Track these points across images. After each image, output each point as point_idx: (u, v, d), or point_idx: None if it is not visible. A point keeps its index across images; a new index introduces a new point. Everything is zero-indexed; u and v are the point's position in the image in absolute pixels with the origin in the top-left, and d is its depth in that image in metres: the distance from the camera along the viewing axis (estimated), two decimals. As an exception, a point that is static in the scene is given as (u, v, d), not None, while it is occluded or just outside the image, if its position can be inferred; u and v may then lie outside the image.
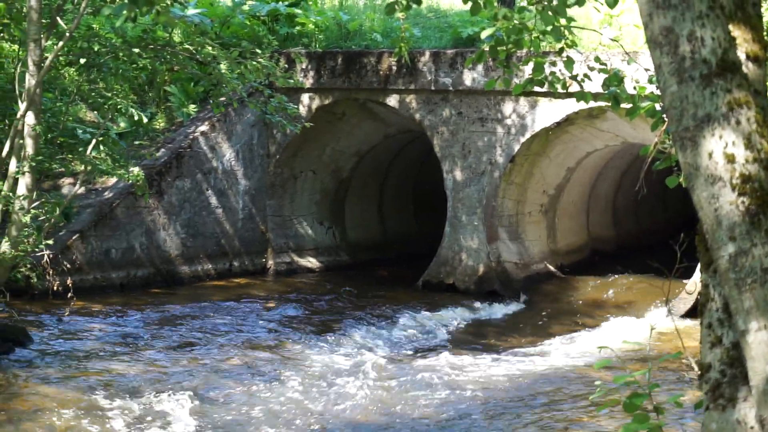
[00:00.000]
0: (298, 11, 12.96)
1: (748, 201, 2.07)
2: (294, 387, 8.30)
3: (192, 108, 13.14)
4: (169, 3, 8.74)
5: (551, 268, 13.59)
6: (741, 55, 2.25)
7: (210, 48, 10.69)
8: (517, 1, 9.78)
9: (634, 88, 4.53)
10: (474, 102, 12.34)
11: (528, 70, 5.61)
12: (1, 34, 11.00)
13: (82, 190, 11.85)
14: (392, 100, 12.81)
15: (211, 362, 8.96)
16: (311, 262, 14.16)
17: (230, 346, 9.58)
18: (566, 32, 4.87)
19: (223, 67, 10.91)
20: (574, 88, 5.02)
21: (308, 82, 13.02)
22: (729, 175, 2.07)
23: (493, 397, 8.27)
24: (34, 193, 9.47)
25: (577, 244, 15.21)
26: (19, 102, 8.90)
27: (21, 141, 8.89)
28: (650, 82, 4.60)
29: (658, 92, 3.14)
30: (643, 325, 10.02)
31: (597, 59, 4.87)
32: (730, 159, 2.07)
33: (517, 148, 12.12)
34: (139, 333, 10.04)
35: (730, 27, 2.24)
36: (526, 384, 8.79)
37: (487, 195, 12.42)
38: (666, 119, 3.27)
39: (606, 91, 4.47)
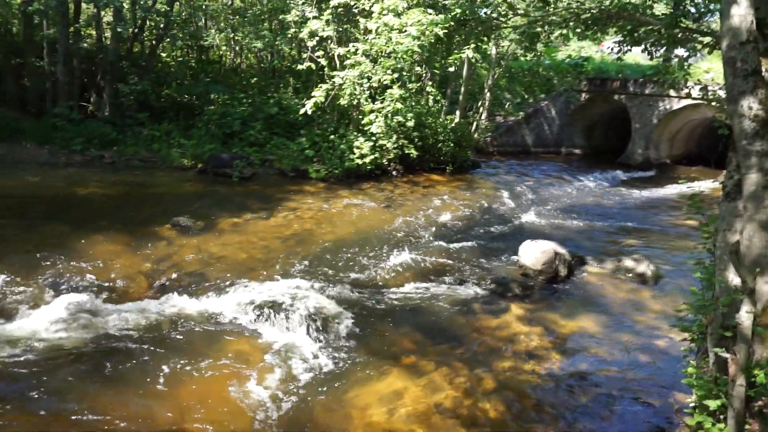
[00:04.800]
0: (584, 62, 27.28)
1: (756, 124, 3.63)
2: (553, 184, 20.31)
3: (542, 95, 27.52)
4: (539, 56, 26.45)
5: (668, 161, 25.24)
6: (764, 68, 3.85)
7: (551, 73, 27.10)
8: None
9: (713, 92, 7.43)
10: (648, 98, 24.00)
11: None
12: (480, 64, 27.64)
13: (500, 119, 27.73)
14: (615, 96, 25.10)
15: (536, 173, 22.64)
16: (577, 151, 27.01)
17: (543, 174, 22.48)
18: (688, 71, 8.36)
19: (555, 80, 26.22)
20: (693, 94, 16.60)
21: (584, 88, 25.97)
22: (750, 114, 3.70)
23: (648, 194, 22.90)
24: (486, 117, 25.30)
25: (682, 150, 25.98)
26: (486, 87, 24.63)
27: (485, 99, 24.47)
28: (721, 89, 7.26)
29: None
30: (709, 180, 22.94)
31: (702, 85, 8.33)
32: (751, 108, 3.64)
33: (662, 116, 23.74)
34: (511, 169, 22.51)
35: (760, 58, 3.81)
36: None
37: (648, 132, 24.32)
38: (725, 107, 4.48)
39: (702, 95, 7.48)
